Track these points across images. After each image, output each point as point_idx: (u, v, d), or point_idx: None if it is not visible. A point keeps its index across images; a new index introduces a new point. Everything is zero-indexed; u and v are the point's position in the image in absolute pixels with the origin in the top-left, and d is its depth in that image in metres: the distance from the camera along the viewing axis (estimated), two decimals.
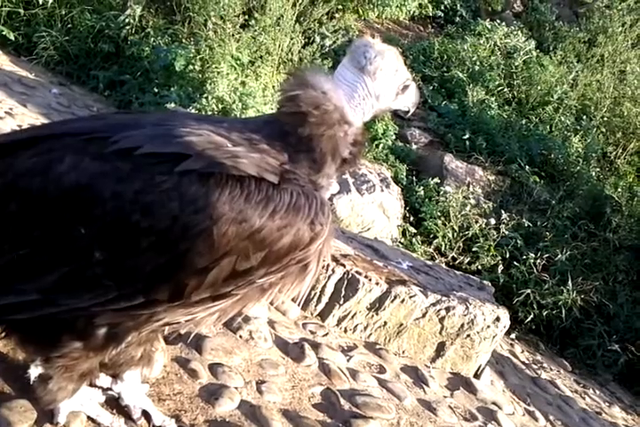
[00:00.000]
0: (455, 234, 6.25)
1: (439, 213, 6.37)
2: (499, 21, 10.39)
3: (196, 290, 1.56)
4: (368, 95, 1.83)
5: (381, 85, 1.85)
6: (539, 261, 6.00)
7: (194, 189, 1.50)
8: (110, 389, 1.99)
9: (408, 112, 2.03)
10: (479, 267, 6.11)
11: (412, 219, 6.51)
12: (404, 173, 6.92)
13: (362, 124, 1.86)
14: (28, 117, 4.84)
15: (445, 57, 9.49)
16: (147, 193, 1.49)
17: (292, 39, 7.09)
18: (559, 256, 6.14)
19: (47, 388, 1.74)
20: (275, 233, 1.57)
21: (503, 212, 6.46)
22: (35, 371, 1.84)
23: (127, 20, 6.53)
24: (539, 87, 9.17)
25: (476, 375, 3.61)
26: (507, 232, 6.26)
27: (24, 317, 1.60)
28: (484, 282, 4.29)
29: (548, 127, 8.66)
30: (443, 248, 6.22)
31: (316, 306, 3.29)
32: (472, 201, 6.60)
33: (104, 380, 1.99)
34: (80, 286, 1.54)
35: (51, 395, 1.75)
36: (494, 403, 3.45)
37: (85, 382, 1.82)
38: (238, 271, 1.56)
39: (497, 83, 9.09)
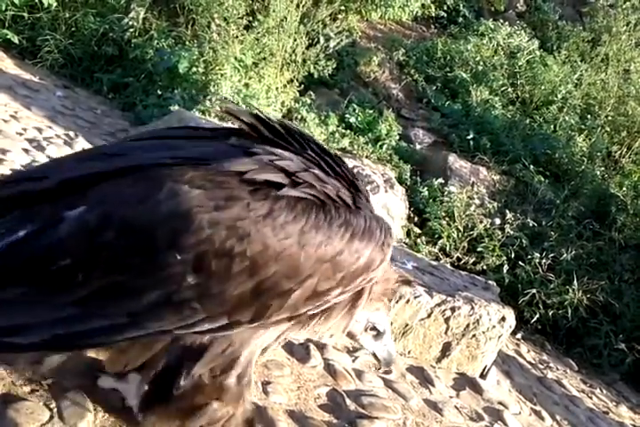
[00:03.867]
0: (460, 234, 6.25)
1: (443, 214, 6.36)
2: (502, 21, 10.40)
3: (277, 311, 1.63)
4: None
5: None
6: (544, 260, 5.99)
7: (285, 214, 1.57)
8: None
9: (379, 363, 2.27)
10: (484, 267, 6.10)
11: (416, 219, 6.51)
12: (408, 174, 6.92)
13: None
14: (32, 120, 4.85)
15: (448, 57, 9.48)
16: (242, 220, 1.54)
17: (295, 40, 7.09)
18: (564, 256, 6.13)
19: None
20: (353, 255, 1.68)
21: (508, 211, 6.45)
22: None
23: (131, 23, 6.54)
24: (543, 87, 9.16)
25: (482, 375, 3.61)
26: (512, 232, 6.25)
27: (109, 340, 1.63)
28: (490, 282, 4.28)
29: (552, 127, 8.66)
30: (447, 248, 6.22)
31: None
32: (476, 201, 6.59)
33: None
34: (169, 309, 1.57)
35: None
36: (500, 403, 3.44)
37: None
38: (318, 292, 1.65)
39: (500, 82, 9.09)
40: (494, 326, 3.50)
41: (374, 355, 2.21)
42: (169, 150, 1.71)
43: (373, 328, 2.12)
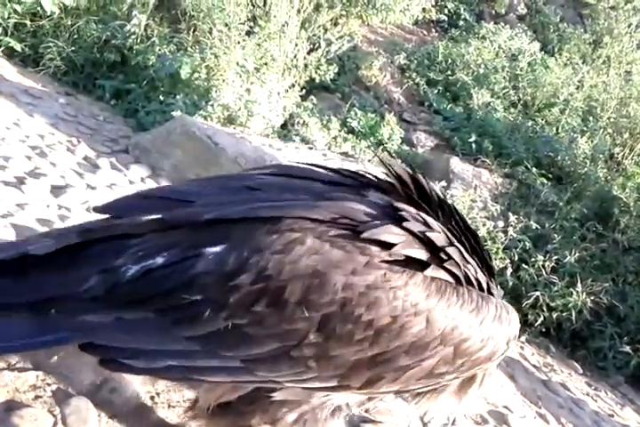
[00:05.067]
0: None
1: None
2: (502, 24, 10.41)
3: (388, 384, 1.63)
4: None
5: None
6: (547, 263, 5.98)
7: (418, 291, 1.58)
8: None
9: None
10: None
11: None
12: None
13: None
14: (35, 127, 4.88)
15: (450, 60, 9.49)
16: (376, 289, 1.54)
17: (296, 46, 7.11)
18: (568, 258, 6.12)
19: None
20: (478, 344, 1.67)
21: (511, 214, 6.44)
22: None
23: (132, 30, 6.56)
24: (544, 89, 9.16)
25: None
26: (515, 235, 6.24)
27: (219, 380, 1.65)
28: None
29: (554, 129, 8.65)
30: None
31: None
32: (479, 204, 6.59)
33: None
34: (284, 362, 1.58)
35: None
36: (505, 406, 3.43)
37: None
38: (433, 374, 1.64)
39: (502, 85, 9.09)
40: None
41: None
42: (314, 197, 1.70)
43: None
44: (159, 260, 1.58)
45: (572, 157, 7.92)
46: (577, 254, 6.17)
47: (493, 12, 11.61)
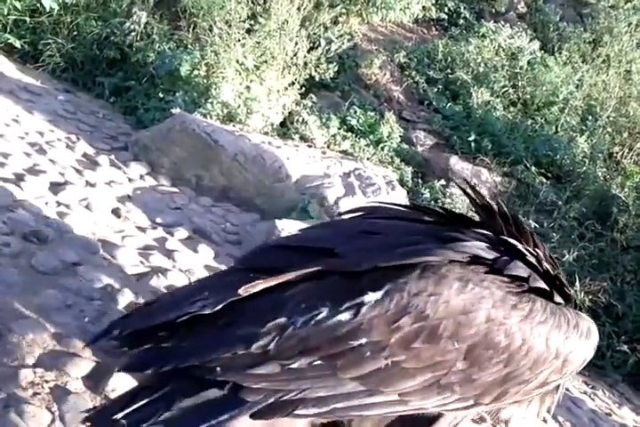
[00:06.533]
0: None
1: None
2: (502, 23, 10.38)
3: (512, 396, 1.91)
4: None
5: None
6: None
7: (539, 315, 1.88)
8: None
9: None
10: None
11: None
12: (410, 176, 6.91)
13: None
14: (34, 124, 4.87)
15: (450, 59, 9.47)
16: (510, 318, 1.83)
17: (296, 44, 7.10)
18: (566, 257, 6.12)
19: None
20: (580, 354, 2.00)
21: None
22: None
23: (132, 27, 6.55)
24: (544, 88, 9.14)
25: None
26: None
27: (375, 413, 1.80)
28: None
29: (553, 128, 8.63)
30: None
31: None
32: None
33: None
34: (434, 390, 1.78)
35: None
36: None
37: None
38: (546, 383, 1.95)
39: (502, 84, 9.07)
40: None
41: None
42: (435, 240, 1.95)
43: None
44: (323, 309, 1.73)
45: (571, 156, 7.92)
46: (575, 253, 6.18)
47: (493, 10, 11.58)
